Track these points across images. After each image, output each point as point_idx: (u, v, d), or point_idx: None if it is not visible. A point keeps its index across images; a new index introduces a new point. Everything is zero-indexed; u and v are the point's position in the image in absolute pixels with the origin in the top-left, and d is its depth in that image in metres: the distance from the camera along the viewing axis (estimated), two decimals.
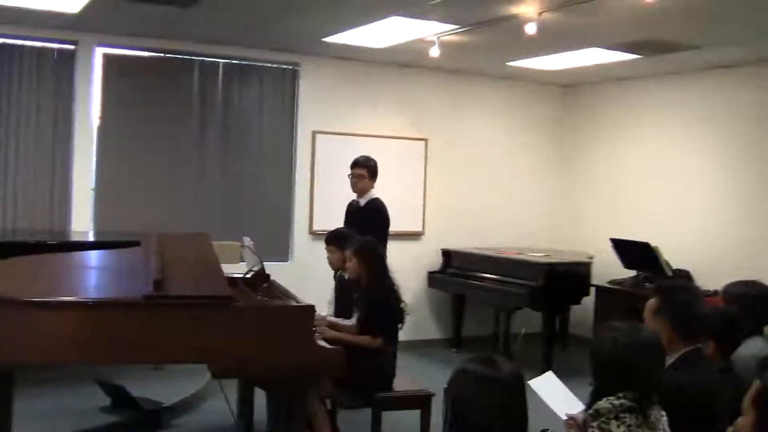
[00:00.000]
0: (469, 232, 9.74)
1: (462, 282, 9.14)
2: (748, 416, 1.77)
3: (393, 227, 7.48)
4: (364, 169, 7.33)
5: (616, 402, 3.08)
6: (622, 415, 3.06)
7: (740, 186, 8.36)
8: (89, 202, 8.01)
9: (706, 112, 8.73)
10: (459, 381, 2.77)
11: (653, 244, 8.11)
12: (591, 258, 8.90)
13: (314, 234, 8.74)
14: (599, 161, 10.06)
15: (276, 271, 6.11)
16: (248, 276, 5.61)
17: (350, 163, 7.40)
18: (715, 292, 6.51)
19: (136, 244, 5.76)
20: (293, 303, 5.25)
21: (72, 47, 7.88)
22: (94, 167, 8.06)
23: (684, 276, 7.92)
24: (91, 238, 7.48)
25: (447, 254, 9.50)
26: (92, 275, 5.53)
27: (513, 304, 8.70)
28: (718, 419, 3.45)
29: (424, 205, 9.54)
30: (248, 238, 6.13)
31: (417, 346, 8.94)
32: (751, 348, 4.28)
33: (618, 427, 3.04)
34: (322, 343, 4.98)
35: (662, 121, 9.23)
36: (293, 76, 8.85)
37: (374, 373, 5.43)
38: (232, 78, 8.57)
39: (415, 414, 5.51)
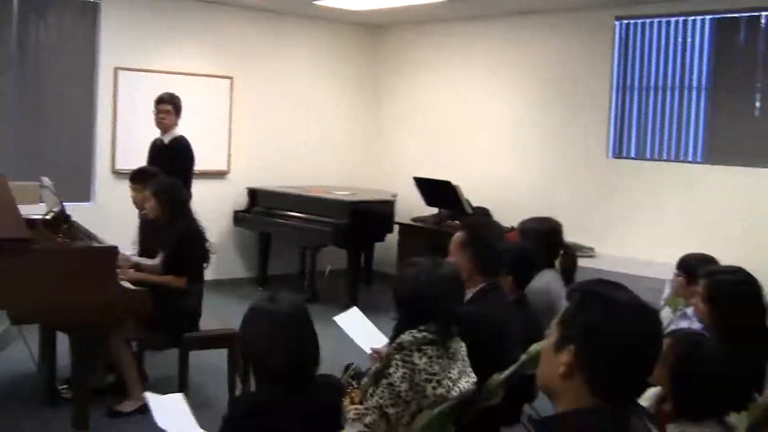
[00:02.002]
0: (276, 171, 9.74)
1: (268, 221, 9.15)
2: (553, 335, 1.92)
3: (198, 166, 7.49)
4: (170, 105, 7.27)
5: (419, 335, 3.22)
6: (424, 347, 3.20)
7: (537, 128, 8.75)
8: None
9: (508, 56, 9.05)
10: (247, 320, 2.86)
11: (454, 182, 8.36)
12: (394, 196, 9.07)
13: (117, 173, 8.49)
14: (405, 102, 10.25)
15: (77, 211, 5.92)
16: (48, 217, 5.42)
17: (154, 100, 7.29)
18: (512, 228, 6.82)
19: None
20: (95, 244, 5.13)
21: None
22: None
23: (483, 213, 8.21)
24: None
25: (253, 193, 9.46)
26: None
27: (318, 242, 8.80)
28: (511, 347, 3.67)
29: (230, 144, 9.44)
30: (47, 178, 5.90)
31: (223, 285, 8.91)
32: (542, 280, 4.56)
33: (420, 358, 3.18)
34: (126, 284, 4.91)
35: (467, 63, 9.50)
36: (94, 9, 8.47)
37: (180, 314, 5.40)
38: (27, 11, 8.10)
39: (222, 353, 5.54)
